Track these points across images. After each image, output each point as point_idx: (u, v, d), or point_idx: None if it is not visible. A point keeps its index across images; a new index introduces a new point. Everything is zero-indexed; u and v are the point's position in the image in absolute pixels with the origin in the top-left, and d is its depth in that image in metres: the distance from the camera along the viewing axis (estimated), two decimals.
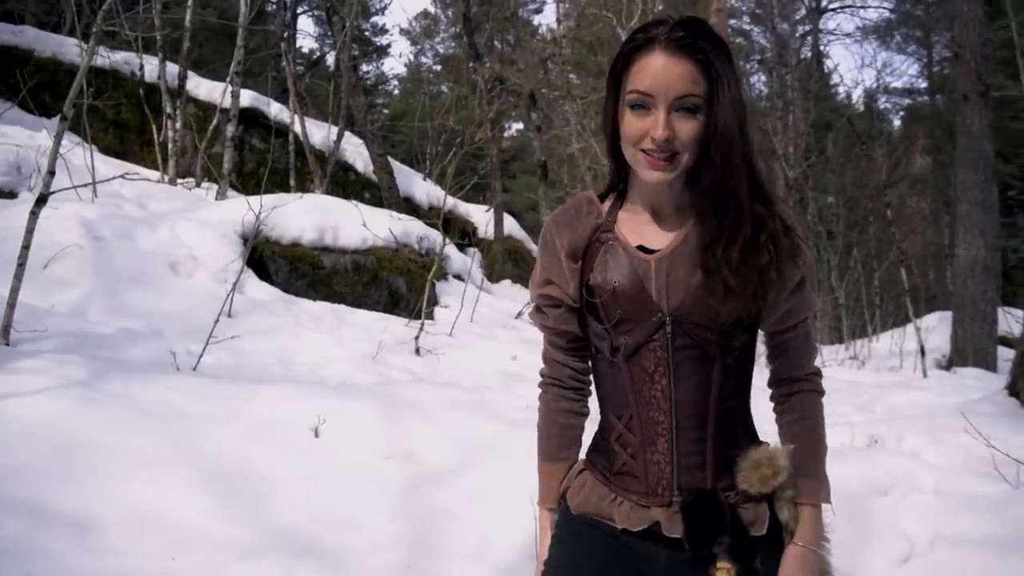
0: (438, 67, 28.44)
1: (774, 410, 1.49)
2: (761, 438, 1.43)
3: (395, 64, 34.00)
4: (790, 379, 1.45)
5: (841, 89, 22.51)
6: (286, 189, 9.53)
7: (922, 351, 8.25)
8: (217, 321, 4.69)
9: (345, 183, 10.46)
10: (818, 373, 1.47)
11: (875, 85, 16.15)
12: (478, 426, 4.00)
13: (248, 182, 9.78)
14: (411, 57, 29.82)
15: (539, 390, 1.55)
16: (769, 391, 1.49)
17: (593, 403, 1.54)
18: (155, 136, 9.17)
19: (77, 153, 7.19)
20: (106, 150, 9.07)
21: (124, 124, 9.72)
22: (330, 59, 17.38)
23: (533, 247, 11.28)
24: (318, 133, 10.36)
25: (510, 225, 13.04)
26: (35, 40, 9.73)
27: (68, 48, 9.65)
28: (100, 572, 2.54)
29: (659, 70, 1.25)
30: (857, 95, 18.24)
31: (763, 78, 20.17)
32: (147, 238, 6.15)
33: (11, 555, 2.50)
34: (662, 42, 1.26)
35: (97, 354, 4.11)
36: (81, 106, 6.98)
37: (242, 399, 3.87)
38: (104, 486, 2.99)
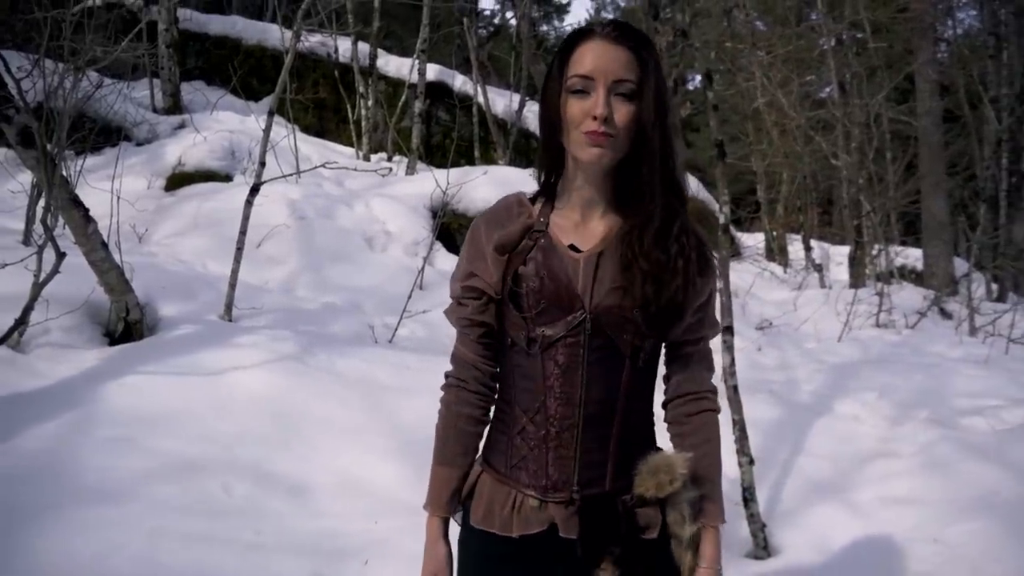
0: None
1: (671, 429, 1.51)
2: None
3: (575, 24, 33.77)
4: (690, 394, 1.50)
5: None
6: (471, 159, 9.85)
7: None
8: (410, 296, 5.00)
9: (528, 151, 10.66)
10: (715, 391, 1.52)
11: None
12: None
13: (435, 154, 10.18)
14: (590, 14, 29.56)
15: (441, 392, 1.54)
16: (664, 411, 1.52)
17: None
18: (349, 114, 9.72)
19: (281, 134, 7.78)
20: (306, 129, 9.71)
21: (322, 104, 10.36)
22: (511, 22, 17.58)
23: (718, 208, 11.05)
24: (500, 102, 10.59)
25: (694, 186, 12.80)
26: (243, 30, 10.55)
27: (272, 34, 10.37)
28: (315, 532, 2.86)
29: (599, 54, 1.33)
30: None
31: (972, 13, 18.51)
32: (345, 215, 6.61)
33: (241, 514, 2.86)
34: (599, 33, 1.35)
35: (305, 328, 4.52)
36: (284, 96, 7.52)
37: (433, 371, 4.12)
38: (314, 453, 3.34)
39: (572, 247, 1.41)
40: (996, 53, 14.09)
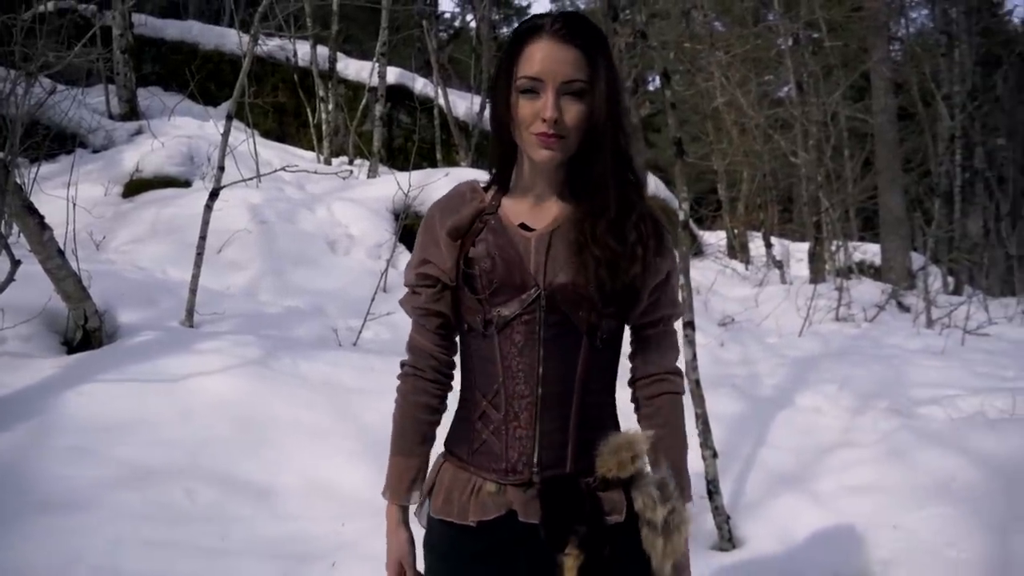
0: None
1: (636, 411, 1.52)
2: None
3: None
4: (651, 376, 1.50)
5: (1015, 19, 20.65)
6: (432, 162, 9.83)
7: None
8: (374, 298, 4.98)
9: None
10: (678, 373, 1.52)
11: None
12: None
13: (397, 157, 10.14)
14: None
15: (398, 381, 1.55)
16: (630, 391, 1.52)
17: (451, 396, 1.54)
18: (310, 118, 9.66)
19: (241, 139, 7.69)
20: (266, 134, 9.61)
21: (281, 108, 10.26)
22: (471, 24, 17.60)
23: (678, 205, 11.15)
24: (462, 104, 10.58)
25: (654, 185, 12.89)
26: (200, 34, 10.42)
27: (229, 39, 10.26)
28: (282, 536, 2.84)
29: (547, 56, 1.31)
30: None
31: (924, 12, 18.88)
32: (307, 219, 6.56)
33: (206, 519, 2.84)
34: (548, 31, 1.32)
35: (268, 333, 4.48)
36: (243, 100, 7.45)
37: (398, 372, 4.14)
38: (280, 457, 3.32)
39: (523, 226, 1.41)
40: (948, 51, 14.40)
